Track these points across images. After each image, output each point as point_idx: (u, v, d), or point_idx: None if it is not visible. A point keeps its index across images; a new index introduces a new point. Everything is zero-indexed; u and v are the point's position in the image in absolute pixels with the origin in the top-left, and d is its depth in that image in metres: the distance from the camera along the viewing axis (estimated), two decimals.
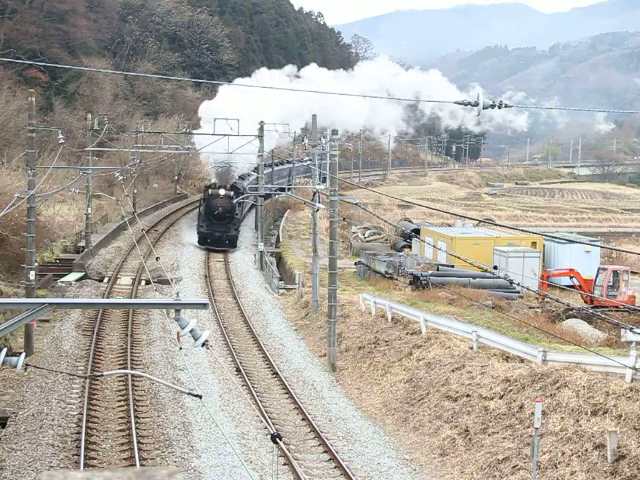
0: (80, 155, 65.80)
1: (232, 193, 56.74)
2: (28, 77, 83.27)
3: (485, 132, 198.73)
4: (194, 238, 57.11)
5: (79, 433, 22.00)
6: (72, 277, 43.90)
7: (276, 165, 77.74)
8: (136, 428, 22.33)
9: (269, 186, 62.09)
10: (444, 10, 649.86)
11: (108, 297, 40.22)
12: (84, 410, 23.60)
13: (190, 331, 9.84)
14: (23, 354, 10.27)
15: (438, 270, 43.72)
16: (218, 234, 55.54)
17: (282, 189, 67.67)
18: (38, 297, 30.34)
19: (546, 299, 37.83)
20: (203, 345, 10.01)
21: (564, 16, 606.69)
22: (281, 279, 46.49)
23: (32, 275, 29.92)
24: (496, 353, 25.65)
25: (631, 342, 22.50)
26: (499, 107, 11.86)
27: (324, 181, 42.38)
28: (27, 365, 19.92)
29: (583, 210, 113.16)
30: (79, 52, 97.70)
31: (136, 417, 23.34)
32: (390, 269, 45.86)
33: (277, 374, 29.27)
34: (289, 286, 44.80)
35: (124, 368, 28.37)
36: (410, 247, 57.76)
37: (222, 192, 56.32)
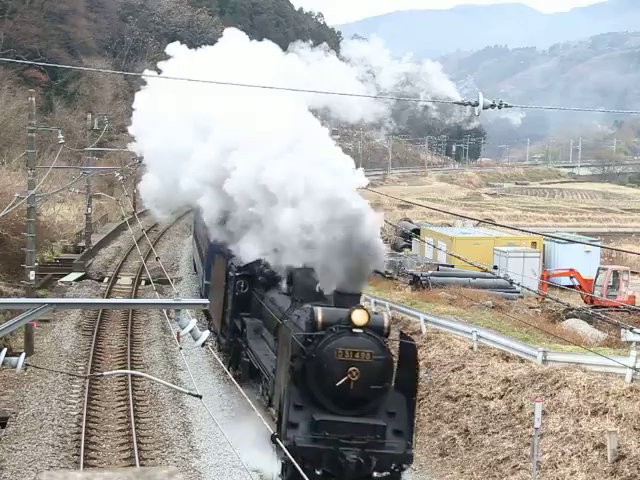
0: (80, 155, 65.73)
1: (385, 323, 18.62)
2: (28, 77, 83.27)
3: (477, 128, 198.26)
4: (252, 456, 18.64)
5: (79, 433, 21.99)
6: (72, 277, 43.87)
7: None
8: (136, 428, 22.32)
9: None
10: (444, 10, 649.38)
11: (108, 297, 40.19)
12: (84, 410, 23.57)
13: (190, 331, 9.84)
14: (23, 354, 10.25)
15: (438, 270, 43.70)
16: (355, 455, 16.50)
17: None
18: (38, 297, 30.33)
19: (546, 299, 37.81)
20: (203, 345, 10.01)
21: (564, 16, 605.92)
22: None
23: (32, 275, 29.91)
24: (496, 353, 25.62)
25: (631, 342, 22.49)
26: (499, 107, 11.83)
27: None
28: (27, 365, 19.91)
29: (583, 210, 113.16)
30: (79, 52, 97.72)
31: (136, 417, 23.32)
32: (390, 269, 45.80)
33: None
34: None
35: (124, 368, 28.34)
36: (410, 247, 57.72)
37: (360, 320, 17.36)
